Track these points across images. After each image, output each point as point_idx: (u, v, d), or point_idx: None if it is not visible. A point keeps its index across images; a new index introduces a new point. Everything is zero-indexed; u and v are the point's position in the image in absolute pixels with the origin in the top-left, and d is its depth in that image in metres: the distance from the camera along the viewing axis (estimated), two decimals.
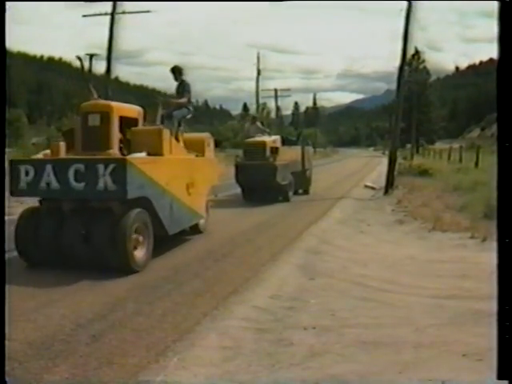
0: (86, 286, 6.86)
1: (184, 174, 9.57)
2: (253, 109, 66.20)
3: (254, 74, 52.14)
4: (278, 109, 65.41)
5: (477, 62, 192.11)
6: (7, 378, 3.55)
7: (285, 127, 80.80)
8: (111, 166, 7.37)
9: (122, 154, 8.31)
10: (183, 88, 10.01)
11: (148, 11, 25.08)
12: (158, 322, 5.47)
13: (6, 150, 26.21)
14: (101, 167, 7.37)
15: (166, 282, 7.10)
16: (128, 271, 7.50)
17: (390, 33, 22.30)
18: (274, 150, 16.75)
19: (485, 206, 11.17)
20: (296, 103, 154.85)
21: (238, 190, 17.85)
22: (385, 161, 23.69)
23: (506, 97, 3.05)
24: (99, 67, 24.28)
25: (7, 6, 3.72)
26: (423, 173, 23.54)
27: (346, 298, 6.41)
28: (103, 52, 23.68)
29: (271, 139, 17.42)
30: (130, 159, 7.71)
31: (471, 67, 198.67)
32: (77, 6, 35.42)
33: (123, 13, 23.76)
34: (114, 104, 8.46)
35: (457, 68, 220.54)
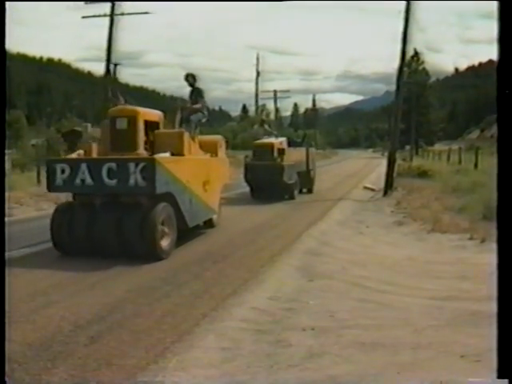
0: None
1: (201, 173, 10.37)
2: (252, 110, 66.21)
3: (254, 75, 52.20)
4: (277, 110, 65.43)
5: (476, 63, 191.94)
6: (7, 379, 3.54)
7: (284, 128, 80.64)
8: (141, 165, 8.16)
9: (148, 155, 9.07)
10: (197, 94, 10.83)
11: (147, 12, 25.09)
12: (156, 323, 5.48)
13: (6, 151, 26.26)
14: (132, 165, 8.16)
15: (165, 283, 7.11)
16: (155, 259, 8.30)
17: (390, 34, 22.37)
18: (281, 151, 17.89)
19: (484, 208, 11.18)
20: (295, 104, 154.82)
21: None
22: (384, 162, 23.68)
23: (506, 98, 3.05)
24: (98, 69, 24.37)
25: (7, 6, 3.73)
26: (422, 174, 23.51)
27: (344, 300, 6.42)
28: (102, 53, 23.71)
29: (278, 141, 18.62)
30: (158, 158, 8.53)
31: (470, 68, 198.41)
32: (76, 8, 35.50)
33: (122, 14, 23.78)
34: (139, 109, 9.30)
35: (456, 69, 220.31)
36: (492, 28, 3.14)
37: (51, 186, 8.66)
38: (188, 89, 10.86)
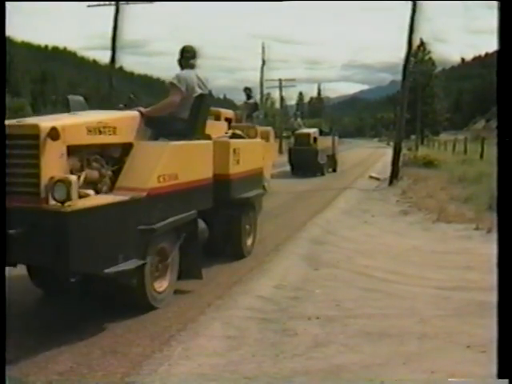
0: None
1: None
2: (257, 99, 65.86)
3: (259, 64, 51.85)
4: (282, 99, 65.14)
5: (482, 53, 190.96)
6: (7, 378, 3.55)
7: (289, 117, 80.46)
8: None
9: None
10: (253, 98, 15.10)
11: (152, 1, 25.04)
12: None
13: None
14: None
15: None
16: None
17: (396, 23, 22.28)
18: (315, 139, 23.34)
19: (490, 198, 11.10)
20: (300, 93, 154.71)
21: None
22: (389, 152, 23.73)
23: (507, 90, 3.01)
24: (104, 57, 24.34)
25: (7, 6, 3.74)
26: (428, 164, 23.46)
27: (350, 289, 6.41)
28: (107, 41, 23.63)
29: (313, 131, 24.35)
30: None
31: (477, 59, 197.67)
32: None
33: (127, 2, 23.69)
34: (221, 109, 11.70)
35: (462, 59, 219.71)
36: None
37: None
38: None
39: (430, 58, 72.34)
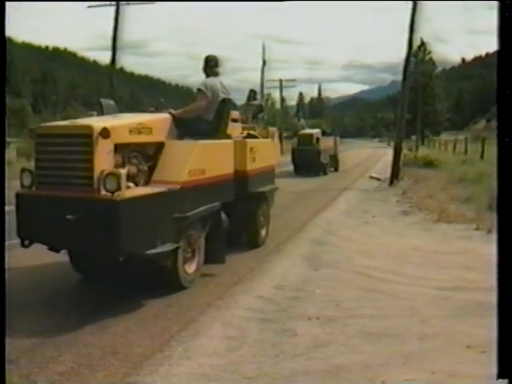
0: None
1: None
2: (257, 99, 65.67)
3: (259, 64, 51.73)
4: (282, 99, 65.09)
5: (483, 53, 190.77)
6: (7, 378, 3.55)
7: (290, 118, 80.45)
8: None
9: None
10: (258, 100, 15.41)
11: (152, 2, 25.01)
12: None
13: (11, 139, 26.21)
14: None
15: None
16: None
17: (396, 23, 22.28)
18: (318, 139, 24.16)
19: (490, 198, 11.11)
20: (301, 94, 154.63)
21: None
22: (390, 152, 23.72)
23: (507, 90, 3.01)
24: (104, 58, 24.30)
25: (7, 6, 3.75)
26: (428, 164, 23.49)
27: (350, 289, 6.41)
28: (108, 42, 23.59)
29: (315, 131, 25.19)
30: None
31: (477, 59, 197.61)
32: None
33: (127, 3, 23.67)
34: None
35: (463, 59, 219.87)
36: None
37: None
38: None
39: (431, 58, 72.36)
